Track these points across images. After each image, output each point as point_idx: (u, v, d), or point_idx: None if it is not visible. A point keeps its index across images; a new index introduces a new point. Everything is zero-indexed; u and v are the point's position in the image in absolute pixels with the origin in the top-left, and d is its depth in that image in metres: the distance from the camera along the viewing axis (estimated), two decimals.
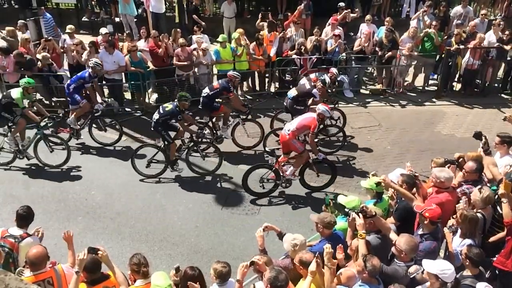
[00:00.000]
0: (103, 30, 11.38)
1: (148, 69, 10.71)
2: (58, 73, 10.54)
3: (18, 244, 4.93)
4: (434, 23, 11.70)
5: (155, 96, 11.46)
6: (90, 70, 9.23)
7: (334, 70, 9.64)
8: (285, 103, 9.24)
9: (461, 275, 4.41)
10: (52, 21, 12.44)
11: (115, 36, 12.46)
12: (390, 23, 11.68)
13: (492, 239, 5.18)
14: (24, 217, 5.16)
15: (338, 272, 4.46)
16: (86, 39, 12.28)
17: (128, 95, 11.48)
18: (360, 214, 4.66)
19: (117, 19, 14.71)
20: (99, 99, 9.62)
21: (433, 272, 4.04)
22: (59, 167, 8.78)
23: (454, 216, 5.17)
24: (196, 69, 11.18)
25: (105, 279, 4.33)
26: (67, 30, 11.41)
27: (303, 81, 9.33)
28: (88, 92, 9.39)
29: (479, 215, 5.04)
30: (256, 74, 11.81)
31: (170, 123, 8.31)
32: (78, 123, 9.35)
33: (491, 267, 5.02)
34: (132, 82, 10.88)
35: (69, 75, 10.89)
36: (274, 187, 8.08)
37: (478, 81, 11.90)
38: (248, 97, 11.85)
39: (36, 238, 5.11)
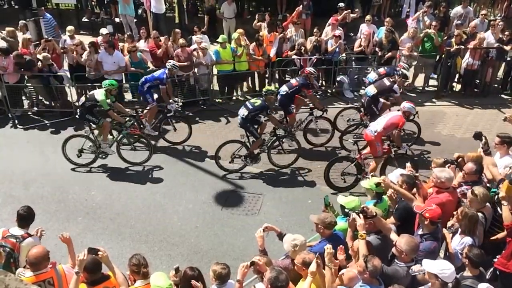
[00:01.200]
0: (103, 31, 11.38)
1: (148, 70, 10.70)
2: (58, 73, 10.53)
3: (20, 244, 4.93)
4: (434, 23, 11.71)
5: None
6: (167, 71, 9.29)
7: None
8: (362, 100, 9.11)
9: (462, 275, 4.40)
10: (53, 21, 12.47)
11: (115, 37, 12.48)
12: (390, 24, 11.68)
13: (492, 238, 5.18)
14: (25, 217, 5.17)
15: (340, 273, 4.47)
16: (86, 39, 12.28)
17: (129, 96, 11.47)
18: (360, 215, 4.66)
19: (117, 20, 14.75)
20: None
21: (433, 272, 4.04)
22: (141, 164, 8.87)
23: (454, 212, 5.14)
24: (196, 70, 11.17)
25: (106, 280, 4.33)
26: (67, 32, 11.42)
27: (373, 75, 9.43)
28: (161, 92, 9.47)
29: (480, 214, 5.04)
30: (256, 74, 11.81)
31: (256, 119, 8.37)
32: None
33: (491, 267, 5.02)
34: (132, 83, 10.88)
35: (69, 76, 10.92)
36: (355, 182, 8.03)
37: (478, 81, 11.90)
38: (248, 97, 11.83)
39: (37, 238, 5.11)
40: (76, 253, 4.87)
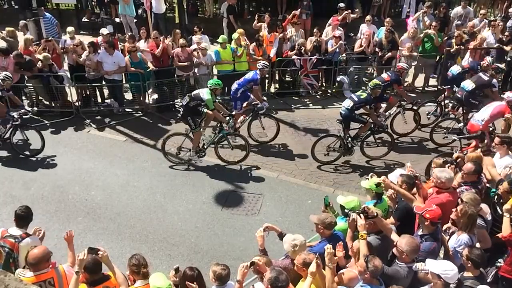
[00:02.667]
0: (103, 31, 11.38)
1: (148, 70, 10.71)
2: (58, 73, 10.53)
3: (18, 244, 4.92)
4: (433, 23, 11.70)
5: (155, 96, 11.46)
6: (258, 71, 9.42)
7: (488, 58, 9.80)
8: (458, 95, 9.10)
9: (462, 276, 4.40)
10: (54, 19, 12.46)
11: (115, 37, 12.47)
12: (390, 24, 11.68)
13: (500, 235, 5.18)
14: (23, 217, 5.16)
15: (339, 272, 4.47)
16: (86, 39, 12.28)
17: (129, 96, 11.48)
18: (361, 215, 4.66)
19: (117, 20, 14.74)
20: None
21: (436, 272, 4.04)
22: (238, 163, 8.96)
23: (453, 210, 5.11)
24: (196, 70, 11.17)
25: (106, 280, 4.33)
26: (67, 33, 11.42)
27: (456, 68, 9.59)
28: (253, 93, 9.52)
29: (479, 218, 5.03)
30: None
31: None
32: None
33: (492, 266, 5.02)
34: (132, 83, 10.88)
35: (69, 76, 10.92)
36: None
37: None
38: None
39: (36, 238, 5.10)
40: (76, 253, 4.88)
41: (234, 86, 9.56)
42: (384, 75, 9.71)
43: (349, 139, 8.84)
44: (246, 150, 8.93)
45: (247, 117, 9.54)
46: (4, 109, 8.84)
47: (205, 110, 8.50)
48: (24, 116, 8.91)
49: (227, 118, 8.88)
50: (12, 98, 9.20)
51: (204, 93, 8.37)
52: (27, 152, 9.21)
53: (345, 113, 8.55)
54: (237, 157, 9.03)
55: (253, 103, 9.41)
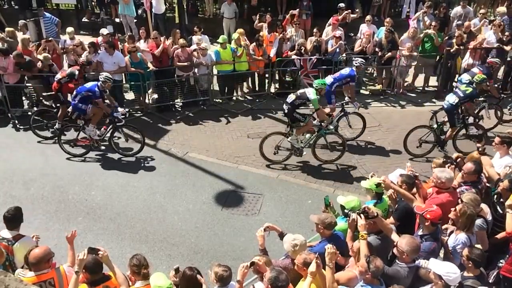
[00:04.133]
0: (103, 31, 11.38)
1: (148, 70, 10.71)
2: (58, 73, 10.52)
3: (12, 247, 4.89)
4: (433, 23, 11.71)
5: (155, 96, 11.46)
6: (354, 68, 9.48)
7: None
8: None
9: (462, 275, 4.40)
10: (55, 19, 12.46)
11: (115, 37, 12.47)
12: (390, 24, 11.68)
13: (498, 236, 5.18)
14: (12, 219, 5.08)
15: (339, 273, 4.46)
16: (86, 40, 12.29)
17: (130, 96, 11.48)
18: (361, 215, 4.66)
19: (117, 20, 14.75)
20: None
21: (438, 273, 4.05)
22: (334, 161, 8.98)
23: (452, 209, 5.11)
24: (196, 70, 11.18)
25: (107, 280, 4.32)
26: (67, 34, 11.42)
27: None
28: (350, 90, 9.64)
29: (480, 219, 5.03)
30: (256, 74, 11.81)
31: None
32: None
33: (493, 266, 5.02)
34: (132, 83, 10.88)
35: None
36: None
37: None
38: (248, 97, 11.85)
39: (29, 238, 5.06)
40: (76, 253, 4.88)
41: (330, 80, 9.51)
42: (475, 70, 9.70)
43: (442, 132, 8.85)
44: (343, 147, 8.93)
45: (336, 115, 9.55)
46: (109, 110, 8.89)
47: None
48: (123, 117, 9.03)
49: (329, 118, 8.92)
50: (108, 98, 9.16)
51: (310, 93, 8.34)
52: (128, 152, 9.29)
53: (448, 108, 8.52)
54: (331, 156, 9.02)
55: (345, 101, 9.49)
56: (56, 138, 9.29)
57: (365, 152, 9.52)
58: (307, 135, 8.88)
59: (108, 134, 9.17)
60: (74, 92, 8.82)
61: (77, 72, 9.43)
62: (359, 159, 9.25)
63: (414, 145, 9.09)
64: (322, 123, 8.76)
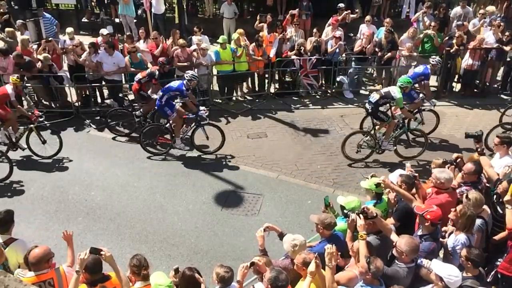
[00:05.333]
0: (103, 31, 11.38)
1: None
2: (58, 74, 10.53)
3: (4, 251, 4.85)
4: (433, 24, 11.71)
5: (155, 97, 11.43)
6: (429, 66, 9.46)
7: None
8: None
9: (462, 276, 4.40)
10: (54, 20, 12.46)
11: (115, 37, 12.47)
12: (390, 24, 11.68)
13: (497, 237, 5.18)
14: (2, 223, 4.98)
15: (339, 273, 4.47)
16: (86, 40, 12.28)
17: (130, 96, 11.45)
18: (361, 215, 4.66)
19: (117, 20, 14.75)
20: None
21: (440, 274, 4.07)
22: (414, 158, 8.92)
23: (452, 209, 5.11)
24: (196, 70, 11.15)
25: (106, 280, 4.32)
26: (67, 35, 11.42)
27: None
28: (425, 88, 9.55)
29: (480, 220, 5.03)
30: (256, 75, 11.81)
31: None
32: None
33: (493, 268, 5.02)
34: (132, 83, 10.85)
35: (68, 76, 10.92)
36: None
37: (477, 81, 11.90)
38: (248, 98, 11.85)
39: (22, 241, 5.00)
40: (76, 253, 4.87)
41: (411, 75, 9.42)
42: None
43: None
44: (424, 143, 8.91)
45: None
46: (195, 108, 8.96)
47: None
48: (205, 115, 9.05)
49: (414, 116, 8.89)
50: (191, 98, 9.16)
51: (395, 92, 8.29)
52: (208, 150, 9.37)
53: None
54: (412, 153, 9.03)
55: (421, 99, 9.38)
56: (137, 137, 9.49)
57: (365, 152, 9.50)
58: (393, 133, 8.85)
59: (189, 133, 9.24)
60: (160, 92, 8.84)
61: (157, 72, 9.58)
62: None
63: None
64: (405, 120, 8.76)
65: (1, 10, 13.54)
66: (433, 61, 9.51)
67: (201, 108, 9.06)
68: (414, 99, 9.27)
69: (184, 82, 8.76)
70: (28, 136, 8.98)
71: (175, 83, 8.84)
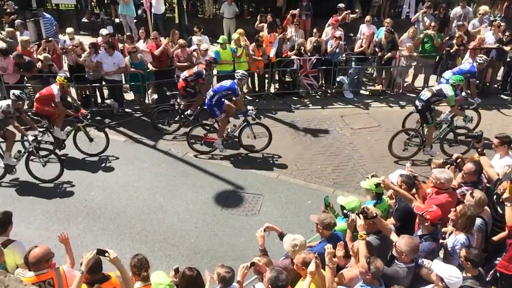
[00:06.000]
0: (103, 31, 11.37)
1: (147, 70, 10.70)
2: (58, 74, 10.51)
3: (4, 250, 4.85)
4: (433, 24, 11.71)
5: (154, 97, 11.45)
6: (476, 64, 9.48)
7: None
8: None
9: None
10: (54, 20, 12.47)
11: (115, 37, 12.47)
12: (390, 24, 11.69)
13: (495, 238, 5.18)
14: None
15: (339, 273, 4.47)
16: (86, 40, 12.29)
17: (130, 96, 11.48)
18: (361, 215, 4.66)
19: (117, 20, 14.75)
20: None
21: (440, 275, 4.07)
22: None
23: (452, 209, 5.11)
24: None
25: (106, 280, 4.32)
26: (67, 35, 11.42)
27: None
28: (471, 87, 9.62)
29: (479, 220, 5.03)
30: (256, 75, 11.81)
31: None
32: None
33: (492, 268, 5.02)
34: (132, 83, 10.88)
35: (68, 76, 10.90)
36: None
37: (477, 82, 11.88)
38: (248, 98, 11.85)
39: (19, 243, 4.98)
40: (75, 254, 4.88)
41: (449, 75, 9.41)
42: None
43: None
44: (475, 140, 8.80)
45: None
46: (244, 108, 9.00)
47: (436, 107, 8.60)
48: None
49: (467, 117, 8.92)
50: (240, 98, 9.22)
51: (448, 90, 8.28)
52: (255, 149, 9.41)
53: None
54: (457, 150, 8.80)
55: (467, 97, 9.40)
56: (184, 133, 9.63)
57: (365, 152, 9.52)
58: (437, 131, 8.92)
59: (236, 133, 9.28)
60: (211, 92, 8.84)
61: (204, 72, 9.60)
62: (359, 159, 9.25)
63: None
64: (453, 118, 8.74)
65: (8, 10, 13.53)
66: (480, 60, 9.53)
67: (249, 107, 9.12)
68: (456, 96, 9.17)
69: (236, 81, 8.81)
70: (75, 135, 9.08)
71: (226, 83, 8.87)
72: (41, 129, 8.47)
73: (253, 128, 9.22)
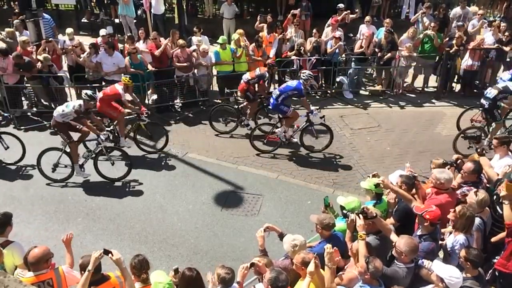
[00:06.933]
0: (103, 32, 11.38)
1: (147, 71, 10.70)
2: (58, 74, 10.53)
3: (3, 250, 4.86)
4: (432, 24, 11.71)
5: (154, 97, 11.46)
6: None
7: None
8: None
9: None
10: (52, 21, 12.47)
11: (115, 38, 12.47)
12: (390, 25, 11.69)
13: (493, 239, 5.18)
14: None
15: (340, 273, 4.47)
16: (86, 40, 12.29)
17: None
18: (360, 215, 4.66)
19: (116, 21, 14.77)
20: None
21: (441, 276, 4.07)
22: None
23: (451, 210, 5.11)
24: (195, 70, 11.17)
25: (106, 280, 4.33)
26: (66, 35, 11.41)
27: None
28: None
29: (478, 219, 5.03)
30: None
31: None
32: None
33: (491, 268, 5.02)
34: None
35: (68, 76, 10.92)
36: None
37: (477, 82, 11.91)
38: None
39: (18, 244, 4.98)
40: (75, 254, 4.89)
41: (507, 76, 9.39)
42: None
43: None
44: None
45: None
46: (309, 108, 9.08)
47: (502, 104, 8.58)
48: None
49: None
50: (305, 98, 9.23)
51: None
52: (317, 148, 9.42)
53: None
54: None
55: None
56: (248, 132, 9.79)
57: (365, 152, 9.52)
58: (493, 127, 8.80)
59: (295, 137, 9.33)
60: (277, 92, 8.94)
61: (267, 74, 9.70)
62: (359, 159, 9.25)
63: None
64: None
65: (17, 10, 13.52)
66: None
67: (313, 108, 9.15)
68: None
69: (301, 81, 8.85)
70: (136, 133, 9.24)
71: (292, 83, 8.99)
72: (108, 129, 8.68)
73: (315, 128, 9.27)
